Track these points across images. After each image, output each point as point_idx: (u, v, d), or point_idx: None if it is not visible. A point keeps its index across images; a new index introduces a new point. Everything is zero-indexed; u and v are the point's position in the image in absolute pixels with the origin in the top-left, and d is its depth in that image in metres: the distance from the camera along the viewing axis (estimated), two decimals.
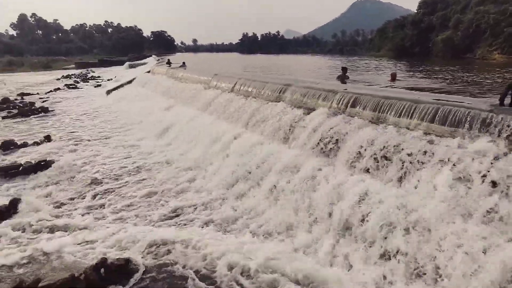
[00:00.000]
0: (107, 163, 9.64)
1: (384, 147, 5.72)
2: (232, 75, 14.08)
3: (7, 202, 6.59)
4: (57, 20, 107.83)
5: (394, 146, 5.60)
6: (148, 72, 26.12)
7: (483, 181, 4.25)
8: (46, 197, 7.37)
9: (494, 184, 4.17)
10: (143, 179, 8.41)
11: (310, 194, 5.90)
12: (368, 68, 22.58)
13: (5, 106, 19.00)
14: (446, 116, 5.56)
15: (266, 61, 42.58)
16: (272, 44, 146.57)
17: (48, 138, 11.88)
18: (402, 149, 5.45)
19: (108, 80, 35.35)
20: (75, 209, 6.83)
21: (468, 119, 5.23)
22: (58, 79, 38.14)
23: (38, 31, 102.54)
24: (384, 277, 4.22)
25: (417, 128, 5.84)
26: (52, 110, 18.10)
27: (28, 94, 24.66)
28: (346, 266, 4.60)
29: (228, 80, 13.11)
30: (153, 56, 54.66)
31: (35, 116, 16.78)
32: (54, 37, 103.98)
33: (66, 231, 5.83)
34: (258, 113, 9.43)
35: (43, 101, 21.32)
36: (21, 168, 8.65)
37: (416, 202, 4.63)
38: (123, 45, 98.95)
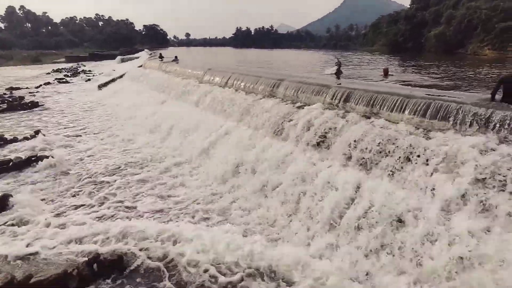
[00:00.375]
0: (99, 158, 9.55)
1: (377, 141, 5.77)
2: (226, 69, 14.00)
3: None
4: (46, 13, 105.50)
5: (388, 140, 5.65)
6: (140, 66, 25.80)
7: (473, 174, 4.32)
8: (37, 192, 7.28)
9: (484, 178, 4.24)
10: (136, 174, 8.35)
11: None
12: (361, 63, 22.63)
13: None
14: (437, 110, 5.63)
15: (260, 55, 42.39)
16: (266, 38, 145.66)
17: (38, 133, 11.69)
18: (394, 143, 5.51)
19: (100, 74, 34.84)
20: (68, 204, 6.77)
21: (459, 113, 5.30)
22: (48, 73, 37.43)
23: (27, 24, 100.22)
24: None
25: (409, 122, 5.90)
26: (42, 105, 17.79)
27: (18, 88, 24.17)
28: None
29: (222, 74, 13.03)
30: (145, 50, 53.92)
31: (25, 111, 16.48)
32: (44, 30, 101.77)
33: (59, 227, 5.77)
34: (251, 107, 9.40)
35: (33, 96, 20.93)
36: (11, 163, 8.52)
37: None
38: (115, 39, 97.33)
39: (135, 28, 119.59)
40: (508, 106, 5.14)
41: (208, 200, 6.92)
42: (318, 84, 8.50)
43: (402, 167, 5.17)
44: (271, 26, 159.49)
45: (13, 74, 35.57)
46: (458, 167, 4.53)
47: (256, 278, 4.41)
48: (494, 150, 4.45)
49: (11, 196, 6.62)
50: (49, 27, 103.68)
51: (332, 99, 7.70)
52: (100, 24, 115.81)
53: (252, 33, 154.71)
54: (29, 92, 22.45)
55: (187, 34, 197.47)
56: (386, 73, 11.81)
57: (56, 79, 30.97)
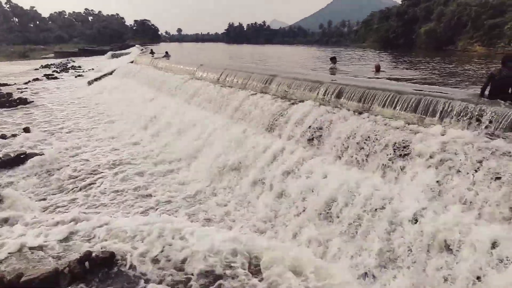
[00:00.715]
0: (90, 156, 9.43)
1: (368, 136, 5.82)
2: (218, 65, 13.93)
3: None
4: (34, 7, 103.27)
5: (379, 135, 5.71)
6: (132, 62, 25.49)
7: (463, 169, 4.40)
8: (27, 190, 7.17)
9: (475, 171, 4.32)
10: (127, 171, 8.28)
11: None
12: (353, 59, 22.74)
13: None
14: (428, 106, 5.70)
15: (252, 51, 42.26)
16: (258, 34, 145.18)
17: (27, 130, 11.49)
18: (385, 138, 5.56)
19: (90, 70, 34.33)
20: (57, 202, 6.69)
21: (449, 109, 5.38)
22: (36, 69, 36.75)
23: (14, 18, 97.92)
24: None
25: (400, 118, 5.97)
26: (31, 102, 17.44)
27: (5, 84, 23.66)
28: None
29: (214, 70, 12.96)
30: (136, 45, 53.28)
31: (13, 107, 16.15)
32: (32, 25, 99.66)
33: (49, 225, 5.69)
34: (243, 103, 9.38)
35: (21, 92, 20.52)
36: None
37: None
38: (105, 34, 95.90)
39: (126, 23, 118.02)
40: (497, 102, 5.22)
41: (199, 196, 6.90)
42: (311, 80, 8.52)
43: (392, 162, 5.23)
44: (264, 22, 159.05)
45: (0, 70, 34.80)
46: (447, 161, 4.60)
47: None
48: (481, 145, 4.53)
49: (0, 194, 6.50)
50: (37, 22, 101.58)
51: (324, 95, 7.73)
52: (89, 19, 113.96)
53: (245, 29, 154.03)
54: (17, 89, 22.00)
55: (179, 30, 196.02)
56: (378, 69, 11.89)
57: (45, 75, 30.40)
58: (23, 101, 17.13)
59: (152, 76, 17.90)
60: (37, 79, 27.44)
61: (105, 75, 24.65)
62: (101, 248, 4.90)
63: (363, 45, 65.29)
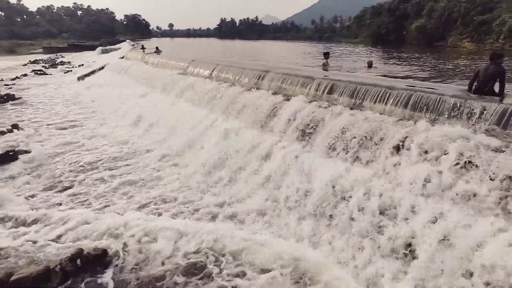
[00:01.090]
0: (80, 153, 9.31)
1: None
2: (210, 61, 13.84)
3: None
4: (21, 1, 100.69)
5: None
6: (122, 57, 25.15)
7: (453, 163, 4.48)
8: (16, 188, 7.06)
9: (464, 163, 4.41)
10: (118, 168, 8.20)
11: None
12: (344, 55, 22.83)
13: None
14: (418, 102, 5.77)
15: (245, 47, 42.07)
16: (251, 29, 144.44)
17: (15, 127, 11.27)
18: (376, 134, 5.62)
19: (79, 66, 33.74)
20: (48, 200, 6.59)
21: (439, 104, 5.47)
22: (24, 65, 35.97)
23: (0, 12, 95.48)
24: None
25: (392, 113, 6.04)
26: (19, 98, 17.09)
27: None
28: None
29: (206, 66, 12.88)
30: (127, 41, 52.55)
31: (0, 104, 15.82)
32: (19, 19, 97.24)
33: (39, 223, 5.63)
34: (236, 99, 9.35)
35: (9, 88, 20.08)
36: None
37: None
38: (95, 29, 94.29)
39: (116, 18, 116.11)
40: (481, 97, 5.32)
41: (191, 193, 6.88)
42: (303, 76, 8.53)
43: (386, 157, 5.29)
44: (256, 17, 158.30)
45: None
46: (438, 156, 4.68)
47: None
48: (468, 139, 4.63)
49: None
50: (25, 16, 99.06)
51: (316, 90, 7.76)
52: (78, 14, 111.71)
53: (237, 24, 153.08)
54: (5, 85, 21.53)
55: (170, 25, 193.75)
56: (370, 65, 11.97)
57: (33, 70, 29.78)
58: (11, 97, 16.79)
59: (143, 72, 17.70)
60: (25, 75, 26.88)
61: (95, 71, 24.28)
62: (94, 245, 4.87)
63: (355, 41, 65.51)
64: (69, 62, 38.85)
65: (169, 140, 9.55)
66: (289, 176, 6.09)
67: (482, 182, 4.12)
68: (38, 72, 29.12)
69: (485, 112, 4.96)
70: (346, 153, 5.82)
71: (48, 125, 12.37)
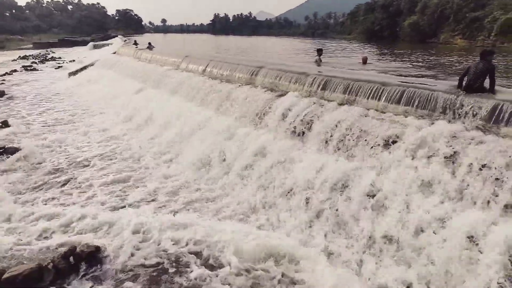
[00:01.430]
0: (72, 150, 9.21)
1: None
2: (204, 57, 13.75)
3: None
4: None
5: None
6: (114, 53, 24.84)
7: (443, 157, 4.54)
8: (6, 185, 6.95)
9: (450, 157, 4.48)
10: (111, 165, 8.13)
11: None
12: (337, 51, 22.87)
13: None
14: (411, 98, 5.82)
15: (239, 43, 41.86)
16: (244, 25, 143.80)
17: (5, 124, 11.09)
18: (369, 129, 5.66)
19: (71, 61, 33.26)
20: (40, 197, 6.51)
21: (431, 101, 5.52)
22: (14, 60, 35.32)
23: None
24: None
25: (384, 109, 6.08)
26: (9, 94, 16.80)
27: None
28: None
29: (199, 62, 12.79)
30: (119, 36, 51.90)
31: None
32: (8, 14, 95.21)
33: (31, 220, 5.56)
34: (230, 95, 9.32)
35: None
36: None
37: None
38: (86, 24, 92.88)
39: (108, 13, 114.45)
40: (472, 94, 5.38)
41: (182, 189, 6.87)
42: (297, 72, 8.53)
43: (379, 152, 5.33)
44: (250, 13, 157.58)
45: None
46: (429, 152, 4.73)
47: None
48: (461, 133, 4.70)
49: None
50: (13, 11, 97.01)
51: (310, 86, 7.76)
52: (69, 8, 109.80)
53: (231, 20, 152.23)
54: None
55: (163, 20, 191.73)
56: (365, 62, 12.01)
57: (23, 66, 29.26)
58: (0, 94, 16.49)
59: (136, 68, 17.51)
60: (15, 71, 26.41)
61: (86, 66, 23.95)
62: (87, 242, 4.82)
63: (349, 37, 65.61)
64: (60, 58, 38.27)
65: (162, 136, 9.49)
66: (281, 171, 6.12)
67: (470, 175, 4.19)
68: (28, 68, 28.62)
69: (475, 108, 5.02)
70: (338, 149, 5.86)
71: (38, 121, 12.19)
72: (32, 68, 28.75)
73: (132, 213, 5.63)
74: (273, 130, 7.24)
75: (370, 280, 4.10)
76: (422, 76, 8.62)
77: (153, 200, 6.45)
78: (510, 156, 4.09)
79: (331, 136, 6.09)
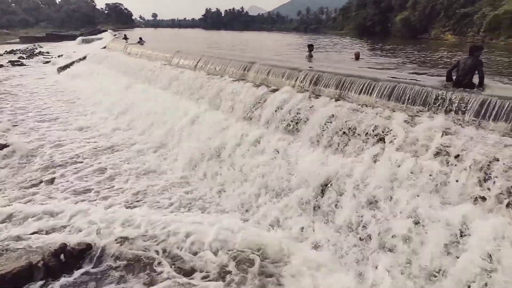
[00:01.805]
0: (62, 146, 9.06)
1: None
2: (195, 52, 13.62)
3: None
4: None
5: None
6: (104, 48, 24.43)
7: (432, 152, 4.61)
8: None
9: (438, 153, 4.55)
10: (101, 162, 8.04)
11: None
12: (328, 46, 22.90)
13: None
14: (401, 93, 5.87)
15: (230, 38, 41.57)
16: (236, 20, 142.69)
17: None
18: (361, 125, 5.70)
19: (59, 56, 32.62)
20: (28, 194, 6.42)
21: (421, 96, 5.59)
22: (0, 55, 34.49)
23: None
24: None
25: (376, 104, 6.12)
26: None
27: None
28: None
29: (191, 57, 12.66)
30: (109, 31, 51.03)
31: None
32: None
33: (20, 218, 5.47)
34: (222, 91, 9.26)
35: None
36: None
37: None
38: (74, 18, 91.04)
39: (97, 7, 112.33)
40: (461, 89, 5.46)
41: (173, 187, 6.84)
42: (289, 68, 8.51)
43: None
44: (242, 8, 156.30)
45: None
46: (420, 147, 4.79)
47: None
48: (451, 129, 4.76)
49: None
50: None
51: (302, 82, 7.76)
52: (57, 2, 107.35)
53: (222, 15, 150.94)
54: None
55: (154, 15, 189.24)
56: (357, 57, 12.06)
57: (10, 61, 28.57)
58: None
59: (126, 63, 17.25)
60: (1, 66, 25.78)
61: (76, 61, 23.50)
62: (78, 240, 4.78)
63: (341, 33, 65.73)
64: (48, 53, 37.50)
65: (153, 132, 9.41)
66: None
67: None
68: (16, 63, 27.98)
69: (465, 103, 5.10)
70: (330, 145, 5.89)
71: (27, 117, 11.96)
72: (19, 63, 28.12)
73: (125, 210, 5.59)
74: (265, 125, 7.23)
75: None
76: (413, 72, 8.69)
77: (146, 197, 6.41)
78: (498, 150, 4.17)
79: (323, 131, 6.11)
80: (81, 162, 8.03)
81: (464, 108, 5.07)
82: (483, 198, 3.94)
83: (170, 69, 12.91)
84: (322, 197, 5.19)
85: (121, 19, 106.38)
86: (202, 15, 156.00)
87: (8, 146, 8.44)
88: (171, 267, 4.45)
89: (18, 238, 4.93)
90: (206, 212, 5.89)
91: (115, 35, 35.91)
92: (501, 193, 3.83)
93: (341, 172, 5.22)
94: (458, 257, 3.61)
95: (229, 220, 5.39)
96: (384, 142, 5.20)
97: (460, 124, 4.89)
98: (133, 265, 4.50)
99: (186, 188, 6.76)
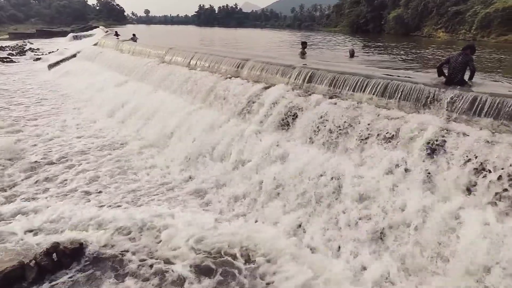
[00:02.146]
0: (53, 145, 8.94)
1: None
2: (188, 49, 13.52)
3: None
4: None
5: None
6: (95, 44, 24.11)
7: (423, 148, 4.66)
8: None
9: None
10: (93, 161, 7.95)
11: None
12: (321, 43, 22.93)
13: None
14: (394, 90, 5.92)
15: (224, 35, 41.35)
16: (230, 17, 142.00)
17: None
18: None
19: (50, 53, 32.09)
20: (19, 193, 6.33)
21: (414, 93, 5.64)
22: None
23: None
24: None
25: (369, 101, 6.15)
26: None
27: None
28: None
29: (184, 54, 12.56)
30: (100, 27, 50.34)
31: None
32: None
33: (11, 217, 5.40)
34: (215, 88, 9.22)
35: None
36: None
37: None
38: (65, 14, 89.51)
39: (88, 3, 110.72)
40: (453, 87, 5.52)
41: (167, 185, 6.81)
42: (283, 65, 8.50)
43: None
44: (235, 5, 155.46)
45: None
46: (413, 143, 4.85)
47: None
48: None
49: None
50: None
51: (296, 79, 7.77)
52: None
53: (216, 12, 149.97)
54: None
55: (147, 11, 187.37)
56: (352, 54, 12.11)
57: None
58: None
59: (118, 60, 17.05)
60: None
61: (67, 58, 23.18)
62: (70, 239, 4.73)
63: (335, 30, 65.83)
64: (38, 49, 36.87)
65: (146, 131, 9.33)
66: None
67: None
68: (5, 59, 27.49)
69: (456, 100, 5.16)
70: (323, 142, 5.92)
71: (16, 115, 11.76)
72: (9, 59, 27.63)
73: (117, 209, 5.55)
74: (259, 122, 7.22)
75: None
76: (406, 69, 8.76)
77: (137, 196, 6.36)
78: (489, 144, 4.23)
79: (318, 128, 6.13)
80: (71, 160, 7.93)
81: (455, 104, 5.13)
82: None
83: (163, 66, 12.79)
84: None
85: (113, 16, 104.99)
86: (196, 12, 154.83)
87: None
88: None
89: (9, 237, 4.86)
90: None
91: (107, 31, 35.44)
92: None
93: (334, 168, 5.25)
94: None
95: None
96: (372, 139, 5.24)
97: (448, 120, 4.96)
98: (127, 263, 4.47)
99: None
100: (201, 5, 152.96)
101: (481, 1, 38.02)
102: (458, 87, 5.49)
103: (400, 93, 5.81)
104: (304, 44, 12.29)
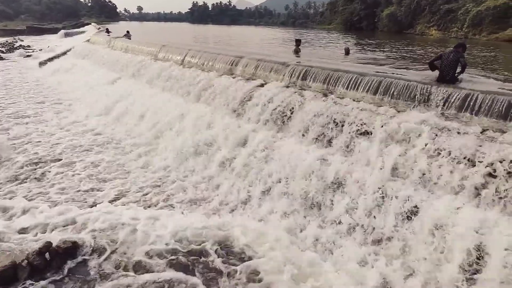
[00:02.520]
0: (45, 143, 8.81)
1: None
2: (182, 46, 13.43)
3: None
4: None
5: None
6: (87, 41, 23.83)
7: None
8: None
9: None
10: (86, 159, 7.87)
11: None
12: (315, 41, 22.99)
13: None
14: (387, 88, 5.97)
15: (218, 32, 41.17)
16: (224, 14, 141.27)
17: None
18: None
19: (41, 50, 31.62)
20: (10, 192, 6.24)
21: (406, 90, 5.69)
22: None
23: None
24: None
25: (362, 99, 6.19)
26: None
27: None
28: None
29: (178, 51, 12.48)
30: (92, 24, 49.74)
31: None
32: None
33: (2, 216, 5.33)
34: (209, 86, 9.19)
35: None
36: None
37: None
38: (56, 11, 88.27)
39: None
40: (445, 84, 5.58)
41: (162, 183, 6.79)
42: (277, 62, 8.50)
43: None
44: (229, 2, 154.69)
45: None
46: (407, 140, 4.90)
47: None
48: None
49: None
50: None
51: (290, 77, 7.77)
52: None
53: (209, 9, 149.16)
54: None
55: (140, 8, 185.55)
56: (347, 52, 12.17)
57: None
58: None
59: (111, 57, 16.88)
60: None
61: (58, 55, 22.88)
62: (63, 238, 4.68)
63: (329, 27, 66.01)
64: (29, 46, 36.23)
65: (140, 129, 9.27)
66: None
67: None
68: None
69: (448, 97, 5.22)
70: (316, 139, 5.94)
71: (6, 114, 11.56)
72: None
73: (108, 209, 5.51)
74: (254, 120, 7.22)
75: None
76: (399, 67, 8.83)
77: (131, 195, 6.33)
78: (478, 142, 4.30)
79: (312, 125, 6.16)
80: (64, 160, 7.83)
81: (447, 102, 5.20)
82: None
83: (156, 64, 12.70)
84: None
85: (105, 12, 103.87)
86: (189, 9, 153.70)
87: None
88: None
89: (1, 237, 4.80)
90: None
91: (99, 28, 35.07)
92: None
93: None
94: None
95: None
96: (366, 136, 5.28)
97: (440, 118, 5.02)
98: (121, 262, 4.45)
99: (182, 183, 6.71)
100: (195, 2, 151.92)
101: None
102: (451, 84, 5.55)
103: (392, 90, 5.87)
104: (298, 42, 12.30)
